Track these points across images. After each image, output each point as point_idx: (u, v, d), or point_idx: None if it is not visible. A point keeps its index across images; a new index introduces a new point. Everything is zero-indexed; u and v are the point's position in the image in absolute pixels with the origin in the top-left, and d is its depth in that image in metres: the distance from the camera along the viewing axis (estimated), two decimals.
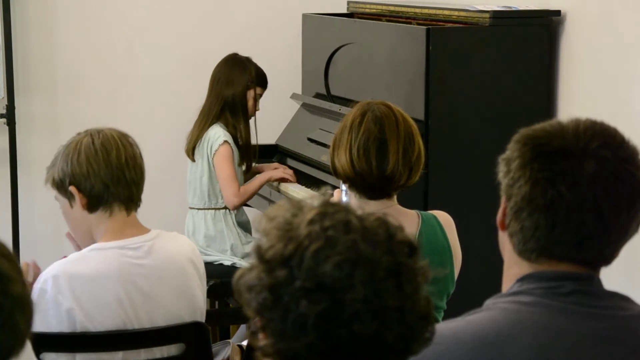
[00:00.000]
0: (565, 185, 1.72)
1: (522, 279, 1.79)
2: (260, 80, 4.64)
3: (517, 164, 1.76)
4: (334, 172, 2.86)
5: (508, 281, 1.83)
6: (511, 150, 1.79)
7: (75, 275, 2.64)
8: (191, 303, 2.79)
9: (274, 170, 4.76)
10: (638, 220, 1.77)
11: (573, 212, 1.72)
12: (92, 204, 2.72)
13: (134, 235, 2.75)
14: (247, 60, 4.64)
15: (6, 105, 5.20)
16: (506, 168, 1.79)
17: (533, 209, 1.74)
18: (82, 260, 2.69)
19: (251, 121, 4.64)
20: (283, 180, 4.74)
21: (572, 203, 1.72)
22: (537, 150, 1.75)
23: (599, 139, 1.76)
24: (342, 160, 2.80)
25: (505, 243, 1.82)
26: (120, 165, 2.70)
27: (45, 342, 2.63)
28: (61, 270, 2.65)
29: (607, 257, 1.80)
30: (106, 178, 2.69)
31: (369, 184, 2.80)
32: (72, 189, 2.71)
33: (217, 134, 4.51)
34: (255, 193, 4.65)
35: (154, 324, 2.71)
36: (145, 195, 2.83)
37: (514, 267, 1.81)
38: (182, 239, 2.88)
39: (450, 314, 1.88)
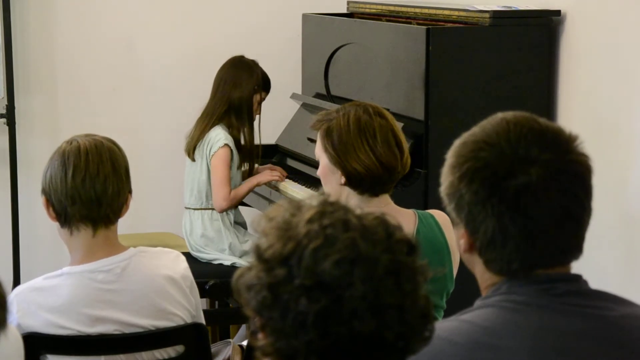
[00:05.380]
0: (530, 205, 1.72)
1: (512, 279, 1.78)
2: (265, 85, 4.65)
3: (471, 201, 1.75)
4: (349, 177, 2.85)
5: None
6: (454, 187, 1.77)
7: (40, 304, 2.62)
8: (167, 323, 2.72)
9: (261, 175, 4.74)
10: (592, 196, 1.79)
11: (547, 225, 1.74)
12: (59, 220, 2.67)
13: (106, 256, 2.66)
14: (254, 64, 4.64)
15: (6, 105, 5.20)
16: (455, 203, 1.77)
17: (507, 238, 1.74)
18: (51, 287, 2.64)
19: (255, 123, 4.64)
20: (271, 181, 4.74)
21: (543, 218, 1.73)
22: (487, 184, 1.74)
23: (535, 144, 1.75)
24: (365, 160, 2.83)
25: (478, 263, 1.81)
26: (75, 185, 2.61)
27: (45, 344, 2.63)
28: (27, 298, 2.63)
29: (581, 246, 1.81)
30: (62, 197, 2.62)
31: (392, 176, 2.86)
32: (43, 200, 2.68)
33: (218, 135, 4.51)
34: (244, 197, 4.65)
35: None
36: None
37: (495, 280, 1.81)
38: (167, 255, 2.77)
39: (451, 314, 1.88)
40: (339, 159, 2.86)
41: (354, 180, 2.86)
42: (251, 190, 4.68)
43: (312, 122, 2.96)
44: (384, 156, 2.84)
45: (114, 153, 2.67)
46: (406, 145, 2.90)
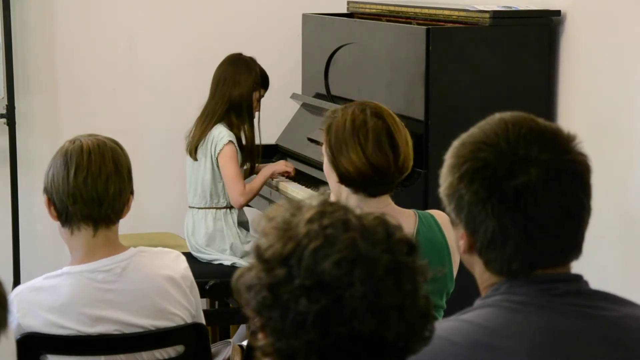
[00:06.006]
0: (530, 205, 1.72)
1: (512, 279, 1.78)
2: (264, 81, 4.66)
3: (471, 201, 1.75)
4: (341, 176, 2.85)
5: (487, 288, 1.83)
6: (454, 187, 1.78)
7: (40, 304, 2.62)
8: (168, 322, 2.72)
9: (276, 164, 4.78)
10: (591, 195, 1.79)
11: (547, 225, 1.74)
12: (60, 219, 2.68)
13: (106, 256, 2.66)
14: (252, 61, 4.64)
15: (6, 105, 5.20)
16: (455, 204, 1.78)
17: (507, 238, 1.74)
18: (51, 287, 2.64)
19: (255, 122, 4.65)
20: (285, 173, 4.75)
21: (543, 218, 1.73)
22: (487, 184, 1.74)
23: (535, 144, 1.76)
24: (355, 160, 2.81)
25: (478, 264, 1.82)
26: (77, 185, 2.61)
27: (45, 344, 2.63)
28: (27, 298, 2.63)
29: (581, 246, 1.81)
30: (64, 196, 2.62)
31: (384, 177, 2.83)
32: (45, 199, 2.68)
33: (222, 133, 4.51)
34: (260, 189, 4.66)
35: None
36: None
37: (495, 280, 1.82)
38: (168, 255, 2.77)
39: (451, 314, 1.88)
40: (334, 157, 2.86)
41: (345, 180, 2.86)
42: (267, 181, 4.69)
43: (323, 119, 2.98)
44: (374, 157, 2.81)
45: (116, 153, 2.67)
46: (405, 148, 2.86)
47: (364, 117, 2.84)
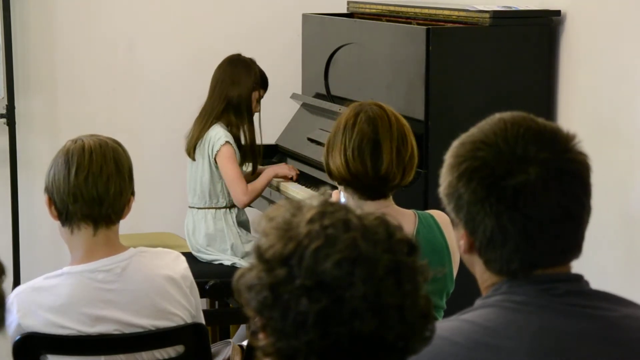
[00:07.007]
0: (529, 204, 1.72)
1: (512, 279, 1.78)
2: (263, 82, 4.66)
3: (470, 200, 1.75)
4: (329, 174, 2.88)
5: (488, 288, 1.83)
6: (453, 187, 1.78)
7: (40, 304, 2.62)
8: (168, 322, 2.72)
9: (278, 166, 4.77)
10: (591, 194, 1.79)
11: (547, 224, 1.74)
12: (60, 218, 2.68)
13: (106, 256, 2.66)
14: (252, 62, 4.65)
15: (6, 105, 5.20)
16: (454, 203, 1.78)
17: (506, 237, 1.74)
18: (51, 287, 2.64)
19: (255, 121, 4.65)
20: (287, 177, 4.75)
21: (542, 217, 1.73)
22: (485, 183, 1.74)
23: (533, 143, 1.76)
24: (337, 162, 2.82)
25: (478, 264, 1.82)
26: (78, 184, 2.61)
27: (45, 344, 2.63)
28: (27, 298, 2.63)
29: (581, 245, 1.81)
30: (64, 195, 2.62)
31: (364, 184, 2.82)
32: (45, 199, 2.68)
33: (218, 134, 4.51)
34: (264, 189, 4.66)
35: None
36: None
37: (495, 280, 1.82)
38: (168, 256, 2.77)
39: (451, 314, 1.88)
40: (326, 154, 2.88)
41: (333, 179, 2.88)
42: (270, 181, 4.69)
43: None
44: (352, 162, 2.80)
45: (118, 153, 2.68)
46: (392, 157, 2.80)
47: (354, 121, 2.84)
